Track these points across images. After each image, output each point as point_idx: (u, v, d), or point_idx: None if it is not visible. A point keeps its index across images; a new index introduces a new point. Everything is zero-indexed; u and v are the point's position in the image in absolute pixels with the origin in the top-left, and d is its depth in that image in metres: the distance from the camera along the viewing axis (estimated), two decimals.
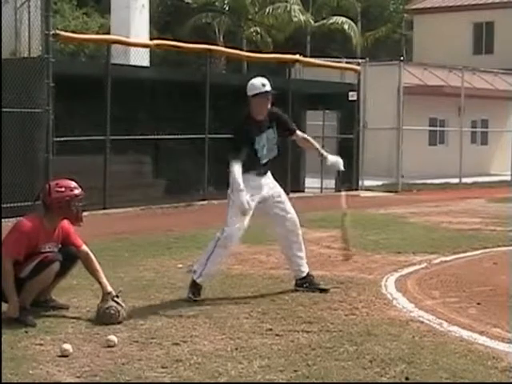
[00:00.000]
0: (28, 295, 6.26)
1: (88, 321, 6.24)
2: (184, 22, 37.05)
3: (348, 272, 8.50)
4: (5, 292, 6.14)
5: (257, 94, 7.06)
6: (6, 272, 6.12)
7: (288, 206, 7.41)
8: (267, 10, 37.35)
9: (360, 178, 20.91)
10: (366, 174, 21.05)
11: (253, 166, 7.11)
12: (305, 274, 7.47)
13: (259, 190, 7.18)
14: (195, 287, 7.04)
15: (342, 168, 7.55)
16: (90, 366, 5.09)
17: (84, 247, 6.55)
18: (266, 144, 7.15)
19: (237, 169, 6.89)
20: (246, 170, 7.02)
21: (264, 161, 7.20)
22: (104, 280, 6.43)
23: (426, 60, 30.13)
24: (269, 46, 36.51)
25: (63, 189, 6.40)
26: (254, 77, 7.30)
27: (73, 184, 6.48)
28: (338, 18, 39.25)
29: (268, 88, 7.09)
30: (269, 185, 7.30)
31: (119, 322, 6.15)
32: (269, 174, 7.34)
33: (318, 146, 7.76)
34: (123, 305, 6.30)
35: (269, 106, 7.16)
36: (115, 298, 6.29)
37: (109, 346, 5.50)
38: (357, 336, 5.84)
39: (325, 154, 7.62)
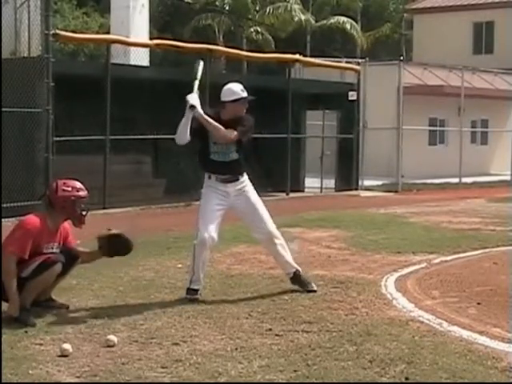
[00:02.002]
0: (28, 295, 6.26)
1: (88, 321, 6.24)
2: (184, 22, 37.06)
3: (348, 272, 8.50)
4: (6, 290, 6.14)
5: (236, 100, 7.04)
6: (9, 270, 6.11)
7: (263, 219, 7.26)
8: (268, 10, 37.35)
9: (360, 178, 20.92)
10: (366, 174, 21.05)
11: (210, 167, 7.16)
12: (292, 275, 7.47)
13: (226, 198, 7.15)
14: (193, 290, 7.07)
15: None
16: (90, 366, 5.09)
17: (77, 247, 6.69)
18: (219, 143, 7.09)
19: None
20: (207, 173, 7.19)
21: (213, 157, 7.13)
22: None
23: (426, 60, 30.13)
24: (270, 44, 36.50)
25: (70, 188, 6.42)
26: (230, 82, 7.23)
27: (79, 185, 6.51)
28: (339, 17, 39.29)
29: (246, 94, 7.08)
30: (237, 194, 7.19)
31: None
32: (240, 181, 7.21)
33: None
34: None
35: (244, 111, 7.13)
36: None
37: (109, 346, 5.50)
38: (357, 336, 5.84)
39: None
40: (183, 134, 7.05)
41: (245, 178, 7.26)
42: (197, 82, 7.06)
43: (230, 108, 7.05)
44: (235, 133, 7.00)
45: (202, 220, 7.13)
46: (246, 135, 7.12)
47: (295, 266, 7.49)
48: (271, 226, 7.31)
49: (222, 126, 7.00)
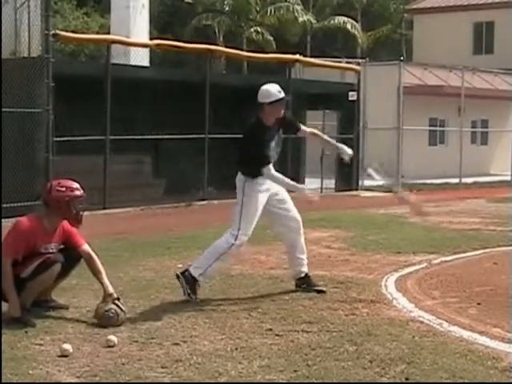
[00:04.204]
0: (29, 295, 6.26)
1: (88, 321, 6.23)
2: (184, 22, 37.05)
3: (348, 272, 8.50)
4: (5, 292, 6.14)
5: (274, 101, 7.04)
6: (5, 272, 6.12)
7: (290, 205, 7.33)
8: (269, 10, 37.33)
9: (360, 178, 20.91)
10: (366, 175, 21.03)
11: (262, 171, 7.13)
12: (303, 275, 7.47)
13: (267, 192, 7.19)
14: (193, 284, 6.99)
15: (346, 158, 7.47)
16: (90, 366, 5.09)
17: (86, 247, 6.49)
18: (275, 148, 7.18)
19: (273, 172, 7.03)
20: (256, 175, 7.05)
21: (272, 160, 7.15)
22: (106, 281, 6.37)
23: (426, 60, 30.13)
24: (271, 44, 36.47)
25: (64, 188, 6.38)
26: (266, 83, 7.21)
27: (75, 185, 6.45)
28: (340, 17, 39.29)
29: (283, 94, 7.09)
30: (272, 185, 7.25)
31: (117, 325, 6.12)
32: None
33: (327, 138, 7.82)
34: (123, 308, 6.25)
35: (282, 112, 7.15)
36: (116, 301, 6.24)
37: (109, 346, 5.50)
38: (357, 336, 5.84)
39: (339, 145, 7.64)
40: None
41: None
42: None
43: (268, 110, 7.05)
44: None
45: (245, 220, 7.03)
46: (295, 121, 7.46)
47: (306, 268, 7.48)
48: (300, 219, 7.36)
49: (268, 132, 7.04)
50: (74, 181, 6.54)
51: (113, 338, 5.60)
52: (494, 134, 28.65)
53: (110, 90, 14.84)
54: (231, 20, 37.92)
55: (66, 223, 6.47)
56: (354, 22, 39.77)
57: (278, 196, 7.28)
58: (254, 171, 7.07)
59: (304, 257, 7.45)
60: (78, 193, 6.40)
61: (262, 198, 7.11)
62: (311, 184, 20.03)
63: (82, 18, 35.03)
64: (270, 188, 7.19)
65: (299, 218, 7.36)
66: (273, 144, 7.13)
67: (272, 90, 7.07)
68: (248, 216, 7.03)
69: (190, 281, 6.98)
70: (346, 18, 39.30)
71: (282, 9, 37.38)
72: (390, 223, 13.17)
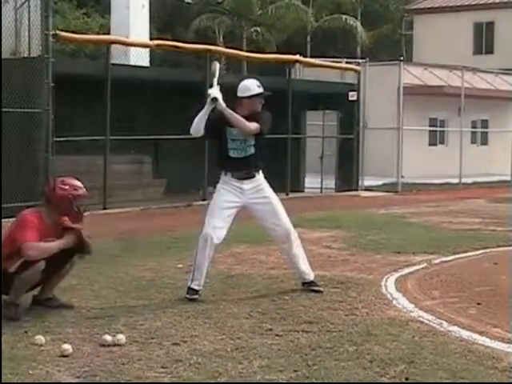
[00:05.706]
0: (17, 291, 6.23)
1: (88, 321, 6.24)
2: (184, 22, 37.06)
3: (348, 272, 8.50)
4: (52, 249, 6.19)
5: (252, 96, 7.07)
6: (47, 248, 6.15)
7: (278, 215, 7.24)
8: (269, 10, 37.35)
9: (360, 178, 20.91)
10: (366, 174, 21.05)
11: (227, 164, 7.13)
12: (303, 279, 7.46)
13: (240, 195, 7.13)
14: (192, 290, 7.06)
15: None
16: (90, 366, 5.08)
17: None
18: (237, 139, 7.10)
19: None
20: (224, 171, 7.14)
21: (232, 154, 7.11)
22: None
23: (426, 60, 30.13)
24: (272, 44, 36.48)
25: (67, 187, 6.40)
26: (245, 78, 7.31)
27: (78, 184, 6.47)
28: (340, 17, 39.31)
29: (262, 89, 7.12)
30: (253, 191, 7.17)
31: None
32: (256, 178, 7.20)
33: None
34: None
35: (260, 106, 7.16)
36: None
37: (103, 345, 5.48)
38: (357, 336, 5.84)
39: None
40: (200, 126, 7.08)
41: (261, 175, 7.25)
42: (215, 80, 7.10)
43: (246, 104, 7.09)
44: (256, 124, 7.03)
45: (209, 215, 7.15)
46: (266, 127, 7.14)
47: (307, 271, 7.43)
48: (288, 223, 7.30)
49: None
50: (77, 179, 6.56)
51: (108, 337, 5.57)
52: (494, 134, 28.66)
53: (110, 90, 14.85)
54: (231, 20, 37.91)
55: (63, 219, 6.47)
56: (354, 22, 39.78)
57: (261, 206, 7.21)
58: (220, 163, 7.18)
59: (297, 260, 7.38)
60: (80, 192, 6.44)
61: (229, 196, 7.10)
62: (311, 184, 20.13)
63: (82, 18, 35.02)
64: (245, 191, 7.13)
65: (287, 228, 7.26)
66: (234, 132, 7.07)
67: (251, 85, 7.13)
68: (210, 211, 7.14)
69: (188, 288, 7.06)
70: (346, 18, 39.30)
71: (281, 9, 37.39)
72: (390, 223, 13.17)
